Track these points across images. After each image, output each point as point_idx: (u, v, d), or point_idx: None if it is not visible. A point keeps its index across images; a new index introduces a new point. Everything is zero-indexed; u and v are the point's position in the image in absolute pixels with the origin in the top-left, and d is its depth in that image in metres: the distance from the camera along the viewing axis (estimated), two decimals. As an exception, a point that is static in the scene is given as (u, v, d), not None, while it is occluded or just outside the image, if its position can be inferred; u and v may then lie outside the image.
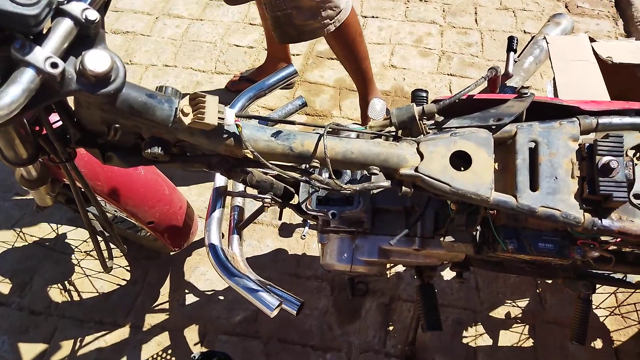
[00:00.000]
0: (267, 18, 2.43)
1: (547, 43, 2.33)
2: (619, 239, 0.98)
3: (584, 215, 0.93)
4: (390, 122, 1.05)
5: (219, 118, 0.83)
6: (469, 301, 1.87)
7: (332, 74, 2.80)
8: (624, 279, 1.47)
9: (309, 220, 1.40)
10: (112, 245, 1.45)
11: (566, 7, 3.27)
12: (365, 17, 3.14)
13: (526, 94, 1.04)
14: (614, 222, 0.93)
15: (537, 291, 1.89)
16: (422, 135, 1.02)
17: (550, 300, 1.87)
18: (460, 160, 0.98)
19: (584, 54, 2.25)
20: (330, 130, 0.98)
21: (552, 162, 0.96)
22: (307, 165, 0.97)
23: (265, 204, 1.37)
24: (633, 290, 1.91)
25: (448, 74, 2.81)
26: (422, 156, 0.97)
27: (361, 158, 0.97)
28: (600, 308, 1.87)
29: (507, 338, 1.79)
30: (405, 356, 1.72)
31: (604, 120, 0.99)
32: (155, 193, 1.52)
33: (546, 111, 1.05)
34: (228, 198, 1.45)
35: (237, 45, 2.96)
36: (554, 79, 2.23)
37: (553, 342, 1.77)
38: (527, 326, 1.81)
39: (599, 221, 0.93)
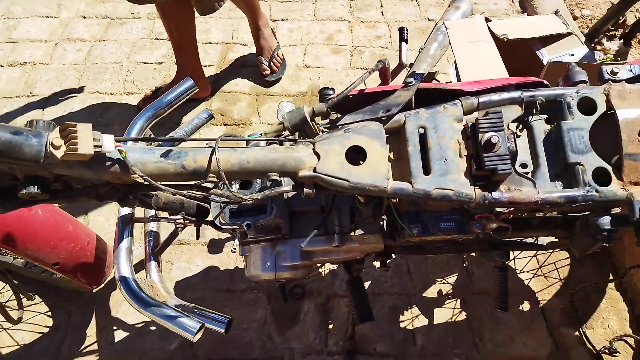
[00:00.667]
0: (172, 30, 2.38)
1: (447, 28, 2.44)
2: (511, 208, 1.04)
3: (475, 191, 0.98)
4: (284, 127, 1.05)
5: (94, 146, 0.80)
6: (402, 286, 1.92)
7: (247, 81, 2.78)
8: (536, 242, 1.56)
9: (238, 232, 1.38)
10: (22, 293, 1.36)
11: (463, -9, 3.42)
12: (275, 20, 3.15)
13: (411, 82, 1.07)
14: (503, 193, 0.98)
15: (464, 265, 1.97)
16: (317, 136, 1.03)
17: (477, 272, 1.95)
18: (357, 155, 1.00)
19: (481, 35, 2.37)
20: (224, 141, 0.97)
21: (441, 145, 1.00)
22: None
23: (178, 225, 1.33)
24: (552, 251, 2.03)
25: (361, 68, 2.87)
26: (318, 156, 0.98)
27: (258, 166, 0.96)
28: (524, 272, 1.98)
29: (442, 315, 1.85)
30: (346, 351, 1.74)
31: (484, 99, 1.04)
32: (57, 232, 1.43)
33: (434, 97, 1.09)
34: (143, 224, 1.40)
35: (145, 63, 2.87)
36: (455, 62, 2.34)
37: (484, 312, 1.85)
38: (459, 300, 1.88)
39: (490, 195, 0.97)
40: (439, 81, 2.29)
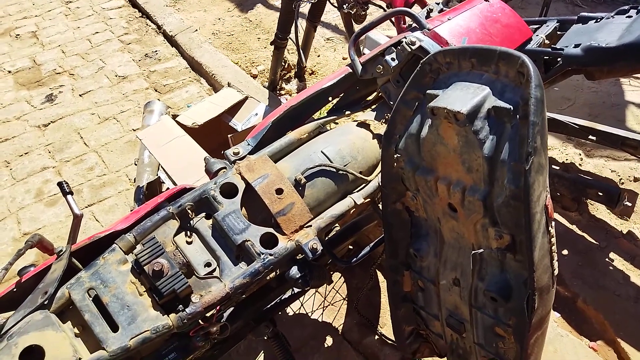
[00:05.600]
0: None
1: (140, 140, 2.49)
2: (218, 307, 1.08)
3: (170, 318, 0.98)
4: None
5: None
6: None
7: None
8: (292, 291, 1.66)
9: None
10: None
11: (155, 90, 3.57)
12: (-32, 203, 2.77)
13: (61, 251, 1.04)
14: (196, 304, 1.01)
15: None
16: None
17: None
18: (36, 354, 0.91)
19: (173, 132, 2.47)
20: None
21: (117, 296, 0.98)
22: None
23: None
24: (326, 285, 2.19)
25: (85, 207, 2.71)
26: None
27: None
28: (315, 311, 2.10)
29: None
30: None
31: (139, 230, 1.07)
32: None
33: (91, 249, 1.06)
34: None
35: None
36: (161, 167, 2.40)
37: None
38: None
39: (185, 313, 0.99)
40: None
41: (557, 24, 1.79)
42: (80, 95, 3.55)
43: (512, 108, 0.88)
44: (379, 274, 2.11)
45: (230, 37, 3.82)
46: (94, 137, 3.16)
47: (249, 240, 1.09)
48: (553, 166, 2.04)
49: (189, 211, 1.10)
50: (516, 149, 0.87)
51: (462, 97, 0.92)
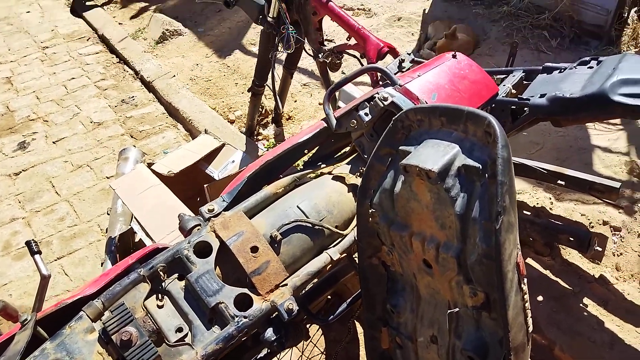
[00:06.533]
0: None
1: (114, 189, 2.44)
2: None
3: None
4: None
5: None
6: None
7: None
8: (269, 352, 1.61)
9: None
10: None
11: (131, 137, 3.55)
12: None
13: (26, 320, 0.99)
14: (167, 373, 0.97)
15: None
16: None
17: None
18: None
19: (148, 181, 2.44)
20: None
21: (82, 367, 0.94)
22: None
23: None
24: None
25: (56, 259, 2.62)
26: None
27: None
28: (292, 365, 2.04)
29: None
30: None
31: (107, 295, 1.03)
32: None
33: (65, 317, 1.02)
34: None
35: None
36: (134, 218, 2.35)
37: None
38: None
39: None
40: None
41: (523, 74, 1.86)
42: (53, 143, 3.50)
43: (480, 167, 0.90)
44: (358, 325, 2.08)
45: (208, 82, 3.86)
46: (66, 186, 3.09)
47: (222, 303, 1.06)
48: (524, 211, 2.08)
49: (160, 273, 1.07)
50: (486, 208, 0.88)
51: (433, 155, 0.94)
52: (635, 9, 3.35)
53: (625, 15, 3.32)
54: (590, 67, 1.72)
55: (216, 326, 1.06)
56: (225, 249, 1.13)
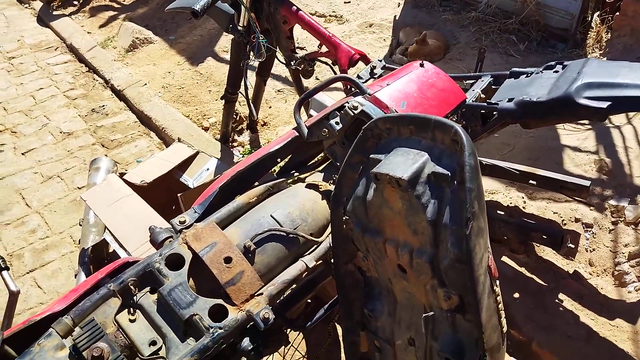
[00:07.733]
0: None
1: (85, 200, 2.39)
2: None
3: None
4: None
5: None
6: None
7: None
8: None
9: None
10: None
11: (102, 146, 3.48)
12: None
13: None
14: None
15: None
16: None
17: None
18: None
19: (121, 192, 2.39)
20: None
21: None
22: None
23: None
24: None
25: (28, 272, 2.55)
26: None
27: None
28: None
29: None
30: None
31: (77, 311, 1.00)
32: None
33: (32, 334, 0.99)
34: None
35: None
36: (107, 230, 2.30)
37: None
38: None
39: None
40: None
41: (491, 79, 1.90)
42: (22, 154, 3.41)
43: (449, 174, 0.91)
44: (339, 328, 2.08)
45: (181, 90, 3.82)
46: (36, 198, 3.01)
47: (196, 314, 1.04)
48: (498, 211, 2.11)
49: (131, 287, 1.05)
50: (456, 213, 0.90)
51: (402, 163, 0.95)
52: (598, 13, 3.46)
53: (589, 19, 3.43)
54: (556, 72, 1.77)
55: (191, 338, 1.04)
56: (198, 261, 1.11)
